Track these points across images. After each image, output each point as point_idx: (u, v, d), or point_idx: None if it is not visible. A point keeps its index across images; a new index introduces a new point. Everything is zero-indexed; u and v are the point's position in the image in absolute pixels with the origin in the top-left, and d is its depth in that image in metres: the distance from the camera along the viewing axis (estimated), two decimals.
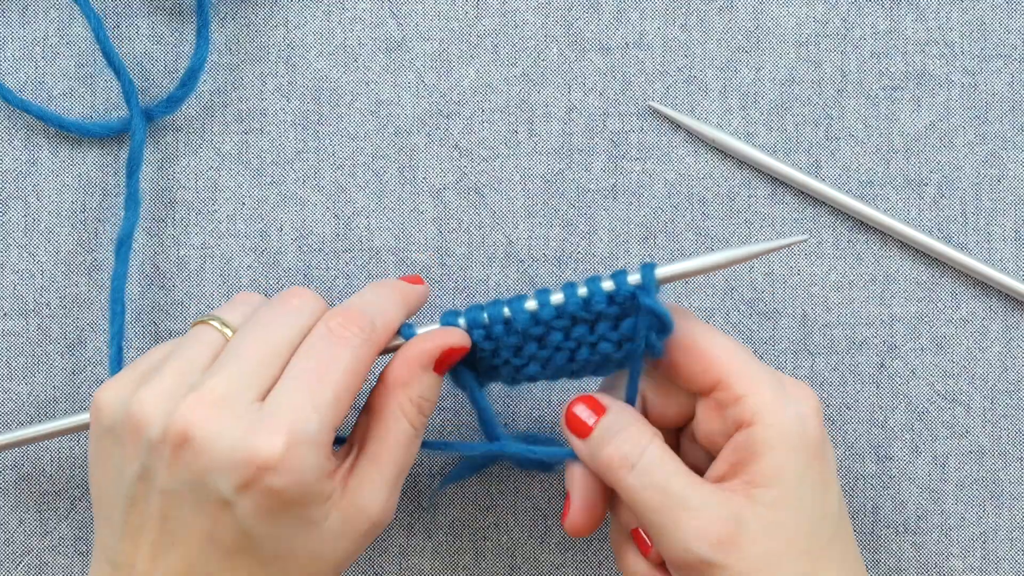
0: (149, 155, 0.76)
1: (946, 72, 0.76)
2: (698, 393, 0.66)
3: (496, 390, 0.75)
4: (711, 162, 0.76)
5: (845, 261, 0.76)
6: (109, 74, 0.76)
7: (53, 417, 0.75)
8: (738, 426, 0.64)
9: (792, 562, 0.62)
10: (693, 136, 0.76)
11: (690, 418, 0.67)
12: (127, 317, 0.75)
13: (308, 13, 0.76)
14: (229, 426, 0.61)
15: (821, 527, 0.64)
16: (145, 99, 0.76)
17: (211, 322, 0.65)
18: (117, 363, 0.73)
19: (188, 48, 0.76)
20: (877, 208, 0.75)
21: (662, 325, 0.65)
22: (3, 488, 0.76)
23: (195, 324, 0.66)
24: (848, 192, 0.76)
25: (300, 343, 0.64)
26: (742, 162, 0.76)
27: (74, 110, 0.76)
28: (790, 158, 0.76)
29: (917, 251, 0.76)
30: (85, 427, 0.70)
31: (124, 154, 0.76)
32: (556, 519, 0.76)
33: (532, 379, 0.68)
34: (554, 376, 0.68)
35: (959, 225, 0.76)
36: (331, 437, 0.62)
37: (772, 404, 0.64)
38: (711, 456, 0.67)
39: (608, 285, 0.65)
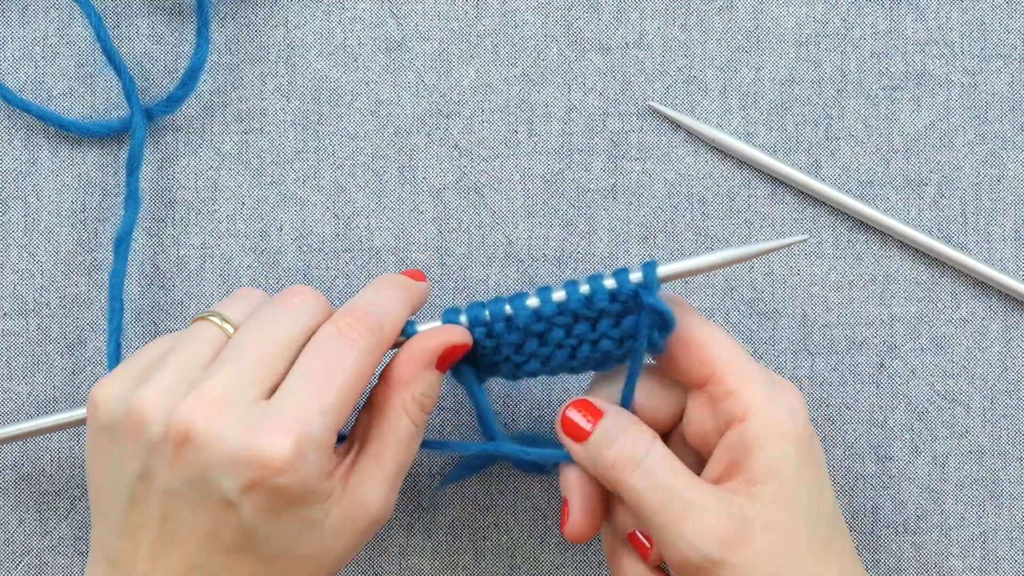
0: (149, 155, 0.76)
1: (946, 72, 0.76)
2: (690, 387, 0.66)
3: (496, 390, 0.75)
4: (711, 162, 0.76)
5: (845, 261, 0.76)
6: (109, 74, 0.76)
7: (33, 419, 0.75)
8: (730, 422, 0.64)
9: (795, 559, 0.62)
10: (693, 136, 0.76)
11: (677, 421, 0.67)
12: (127, 317, 0.75)
13: (308, 13, 0.76)
14: (232, 425, 0.61)
15: (819, 524, 0.64)
16: (145, 99, 0.76)
17: (211, 318, 0.65)
18: (115, 360, 0.72)
19: (188, 48, 0.76)
20: (877, 208, 0.75)
21: (664, 323, 0.65)
22: (3, 488, 0.76)
23: (195, 320, 0.66)
24: (848, 192, 0.76)
25: (302, 342, 0.64)
26: (742, 162, 0.76)
27: (74, 110, 0.76)
28: (790, 158, 0.76)
29: (917, 251, 0.76)
30: (82, 422, 0.70)
31: (124, 154, 0.76)
32: (556, 519, 0.76)
33: (533, 375, 0.68)
34: (555, 372, 0.68)
35: (959, 225, 0.76)
36: (334, 438, 0.62)
37: (764, 400, 0.64)
38: (700, 459, 0.67)
39: (610, 283, 0.65)
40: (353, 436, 0.66)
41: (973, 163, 0.76)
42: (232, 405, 0.61)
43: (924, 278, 0.76)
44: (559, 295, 0.66)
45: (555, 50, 0.76)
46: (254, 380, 0.62)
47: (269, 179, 0.76)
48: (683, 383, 0.66)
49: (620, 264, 0.75)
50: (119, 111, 0.76)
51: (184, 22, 0.76)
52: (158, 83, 0.76)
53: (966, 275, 0.76)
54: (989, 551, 0.75)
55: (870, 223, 0.75)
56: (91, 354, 0.76)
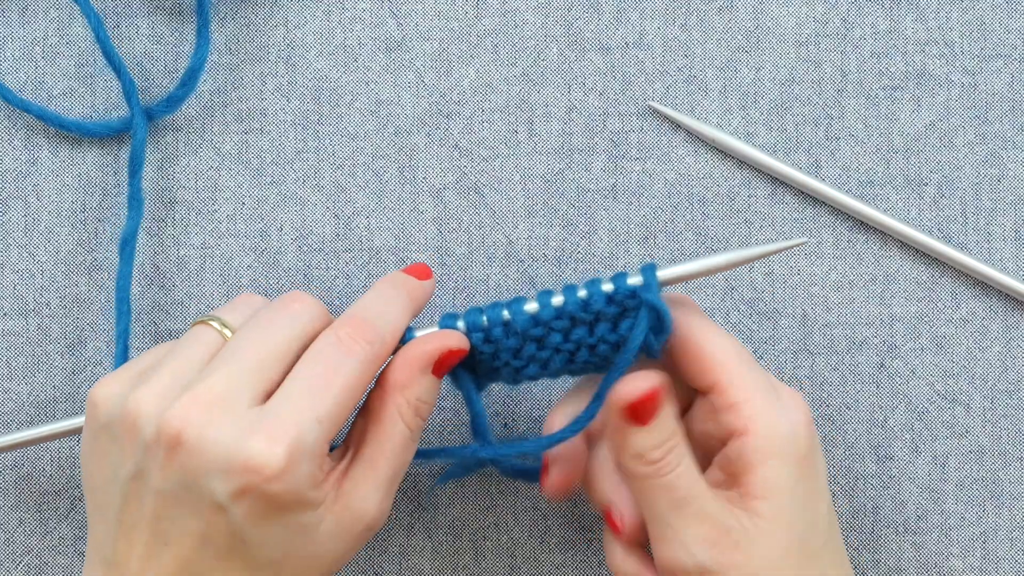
0: (149, 155, 0.76)
1: (946, 72, 0.76)
2: (696, 392, 0.66)
3: (497, 390, 0.75)
4: (711, 162, 0.76)
5: (845, 261, 0.76)
6: (109, 74, 0.76)
7: (53, 417, 0.75)
8: (730, 433, 0.64)
9: (786, 572, 0.63)
10: (693, 136, 0.76)
11: (686, 410, 0.68)
12: (116, 318, 0.75)
13: (308, 13, 0.76)
14: (224, 428, 0.60)
15: (812, 536, 0.64)
16: (145, 99, 0.76)
17: (211, 322, 0.65)
18: (123, 363, 0.72)
19: (188, 48, 0.76)
20: (877, 208, 0.75)
21: (660, 326, 0.65)
22: (3, 488, 0.76)
23: (195, 324, 0.66)
24: (848, 192, 0.76)
25: (299, 348, 0.64)
26: (742, 162, 0.76)
27: (74, 110, 0.76)
28: (790, 158, 0.76)
29: (917, 251, 0.76)
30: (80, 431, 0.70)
31: (124, 154, 0.76)
32: (556, 519, 0.76)
33: (533, 379, 0.68)
34: (556, 375, 0.68)
35: (959, 225, 0.76)
36: (327, 448, 0.62)
37: (765, 414, 0.63)
38: (700, 451, 0.67)
39: (608, 286, 0.65)
40: (348, 441, 0.66)
41: (973, 163, 0.76)
42: (226, 408, 0.61)
43: (924, 278, 0.76)
44: (556, 299, 0.66)
45: (555, 50, 0.76)
46: (249, 384, 0.62)
47: (269, 179, 0.76)
48: (692, 386, 0.66)
49: (620, 264, 0.75)
50: (119, 111, 0.76)
51: (184, 22, 0.76)
52: (158, 83, 0.76)
53: (966, 275, 0.76)
54: (989, 551, 0.75)
55: (870, 223, 0.75)
56: (91, 354, 0.76)
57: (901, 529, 0.76)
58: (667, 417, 0.64)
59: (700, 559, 0.62)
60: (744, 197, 0.76)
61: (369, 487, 0.64)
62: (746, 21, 0.76)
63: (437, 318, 0.68)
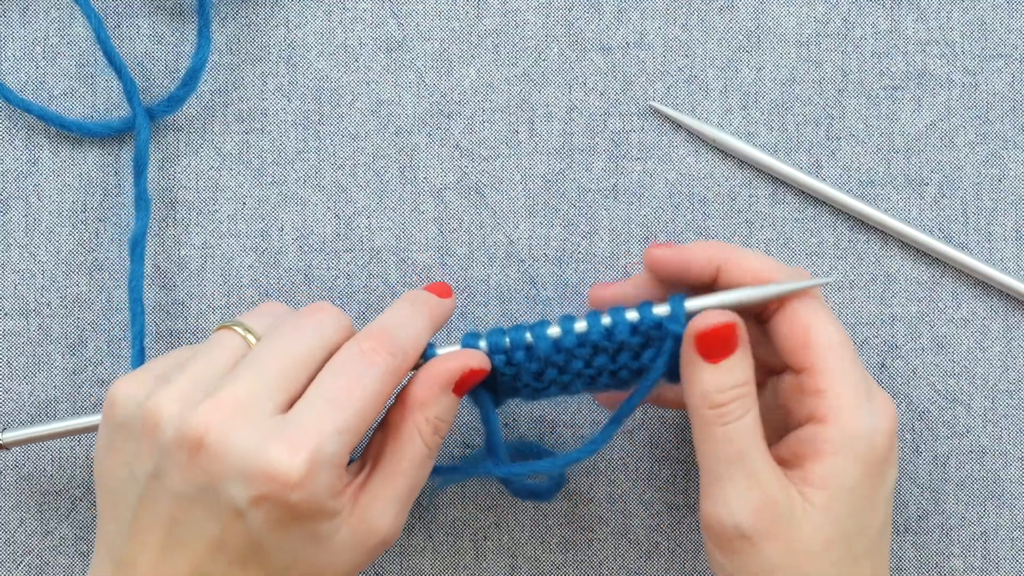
0: (150, 155, 0.76)
1: (947, 72, 0.76)
2: (788, 367, 0.66)
3: None
4: (712, 162, 0.76)
5: (845, 261, 0.76)
6: (109, 74, 0.76)
7: (53, 417, 0.75)
8: (810, 417, 0.64)
9: (820, 568, 0.63)
10: (694, 136, 0.76)
11: (773, 373, 0.68)
12: (126, 317, 0.75)
13: (309, 13, 0.76)
14: (246, 435, 0.60)
15: (860, 540, 0.64)
16: (146, 99, 0.76)
17: (234, 327, 0.65)
18: (140, 364, 0.72)
19: (189, 48, 0.76)
20: (878, 208, 0.75)
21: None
22: (4, 488, 0.76)
23: (218, 328, 0.65)
24: (849, 192, 0.76)
25: (323, 358, 0.64)
26: (743, 162, 0.76)
27: (75, 110, 0.76)
28: (791, 158, 0.76)
29: (918, 251, 0.76)
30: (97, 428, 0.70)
31: (125, 154, 0.76)
32: (556, 519, 0.76)
33: (552, 397, 0.68)
34: (574, 394, 0.68)
35: (960, 225, 0.76)
36: (347, 459, 0.62)
37: (849, 409, 0.63)
38: (772, 426, 0.66)
39: (632, 315, 0.65)
40: (366, 456, 0.66)
41: (974, 163, 0.76)
42: (248, 415, 0.61)
43: (925, 278, 0.76)
44: (580, 326, 0.66)
45: (556, 50, 0.76)
46: (273, 392, 0.62)
47: (270, 179, 0.76)
48: (785, 362, 0.66)
49: (621, 264, 0.75)
50: (120, 111, 0.76)
51: (185, 22, 0.76)
52: (159, 83, 0.76)
53: (967, 275, 0.76)
54: (990, 551, 0.75)
55: (871, 223, 0.75)
56: (92, 354, 0.76)
57: (901, 529, 0.76)
58: (738, 363, 0.64)
59: (739, 520, 0.62)
60: (745, 197, 0.76)
61: (386, 502, 0.64)
62: (747, 21, 0.76)
63: (455, 334, 0.68)
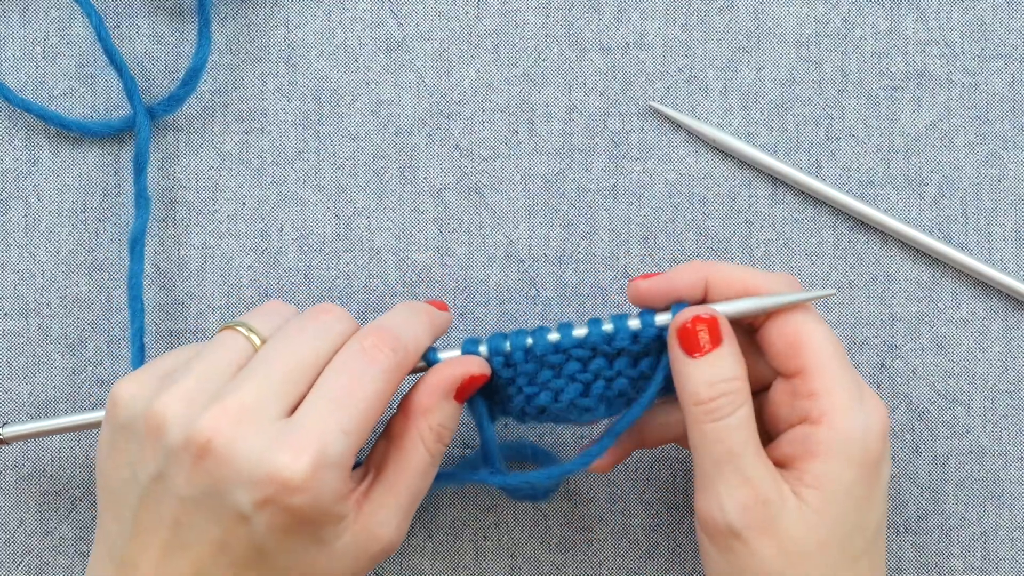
0: (150, 155, 0.76)
1: (947, 72, 0.76)
2: (780, 374, 0.66)
3: None
4: (712, 162, 0.76)
5: (846, 261, 0.76)
6: (109, 74, 0.76)
7: (53, 416, 0.75)
8: (803, 419, 0.64)
9: (814, 568, 0.63)
10: (694, 136, 0.76)
11: (765, 387, 0.67)
12: (128, 316, 0.75)
13: (309, 13, 0.76)
14: (252, 440, 0.60)
15: (853, 541, 0.64)
16: (146, 99, 0.76)
17: (238, 328, 0.65)
18: (139, 362, 0.73)
19: (189, 48, 0.76)
20: (877, 208, 0.75)
21: None
22: (4, 488, 0.76)
23: (222, 329, 0.65)
24: (848, 192, 0.76)
25: (328, 359, 0.64)
26: (743, 162, 0.76)
27: (75, 110, 0.76)
28: (791, 158, 0.76)
29: (917, 251, 0.76)
30: (99, 424, 0.69)
31: (124, 154, 0.76)
32: (556, 519, 0.76)
33: (540, 413, 0.67)
34: (563, 412, 0.67)
35: (959, 225, 0.76)
36: (353, 460, 0.62)
37: (843, 410, 0.63)
38: (766, 433, 0.67)
39: (635, 323, 0.65)
40: (369, 464, 0.66)
41: (974, 163, 0.76)
42: (255, 420, 0.61)
43: (925, 278, 0.76)
44: (580, 331, 0.66)
45: (556, 50, 0.76)
46: (278, 396, 0.62)
47: (270, 179, 0.76)
48: (775, 368, 0.66)
49: (621, 264, 0.75)
50: (120, 111, 0.76)
51: (185, 22, 0.76)
52: (159, 83, 0.76)
53: (967, 275, 0.76)
54: (990, 551, 0.75)
55: (871, 223, 0.75)
56: (91, 354, 0.76)
57: (901, 529, 0.76)
58: (723, 357, 0.64)
59: (730, 519, 0.63)
60: (745, 197, 0.76)
61: (389, 511, 0.64)
62: (747, 21, 0.76)
63: (455, 334, 0.68)
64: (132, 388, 0.63)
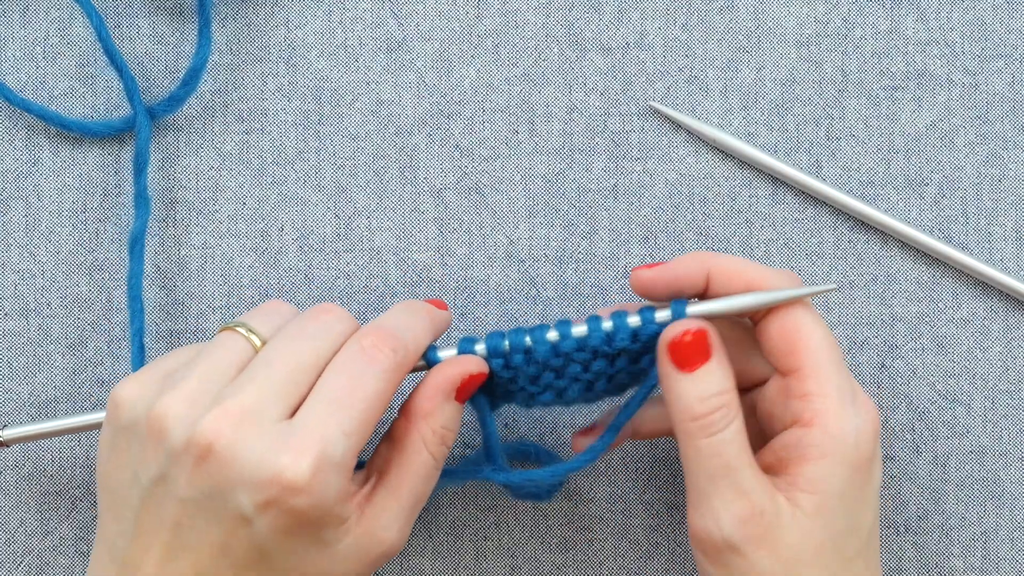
0: (150, 155, 0.75)
1: (947, 72, 0.76)
2: (776, 371, 0.66)
3: None
4: (712, 162, 0.76)
5: (846, 261, 0.76)
6: (110, 73, 0.76)
7: (54, 417, 0.75)
8: (795, 420, 0.64)
9: (812, 572, 0.62)
10: (694, 136, 0.76)
11: (761, 383, 0.67)
12: (126, 318, 0.75)
13: (309, 13, 0.76)
14: (255, 442, 0.60)
15: (849, 542, 0.64)
16: (146, 99, 0.76)
17: (238, 328, 0.65)
18: (139, 362, 0.73)
19: (189, 48, 0.76)
20: (878, 208, 0.76)
21: None
22: (4, 488, 0.76)
23: (222, 329, 0.65)
24: (849, 192, 0.76)
25: (329, 360, 0.63)
26: (743, 162, 0.76)
27: (75, 110, 0.76)
28: (791, 158, 0.76)
29: (918, 251, 0.76)
30: (99, 425, 0.69)
31: (125, 154, 0.76)
32: (556, 519, 0.76)
33: (546, 405, 0.68)
34: (569, 403, 0.68)
35: (960, 225, 0.76)
36: (354, 461, 0.62)
37: (835, 412, 0.63)
38: (759, 432, 0.67)
39: (634, 321, 0.65)
40: (371, 467, 0.66)
41: (974, 163, 0.76)
42: (257, 422, 0.61)
43: (925, 278, 0.76)
44: (580, 329, 0.66)
45: (556, 50, 0.76)
46: (280, 398, 0.62)
47: (270, 179, 0.76)
48: (772, 365, 0.66)
49: (621, 264, 0.75)
50: (120, 111, 0.76)
51: (185, 22, 0.76)
52: (159, 83, 0.76)
53: (967, 275, 0.76)
54: (990, 551, 0.75)
55: (871, 223, 0.75)
56: (91, 354, 0.76)
57: (901, 529, 0.76)
58: (714, 370, 0.64)
59: (727, 533, 0.62)
60: (745, 197, 0.76)
61: (392, 515, 0.64)
62: (747, 21, 0.76)
63: (455, 335, 0.68)
64: (133, 390, 0.63)
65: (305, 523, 0.61)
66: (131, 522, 0.63)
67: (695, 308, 0.65)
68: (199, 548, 0.61)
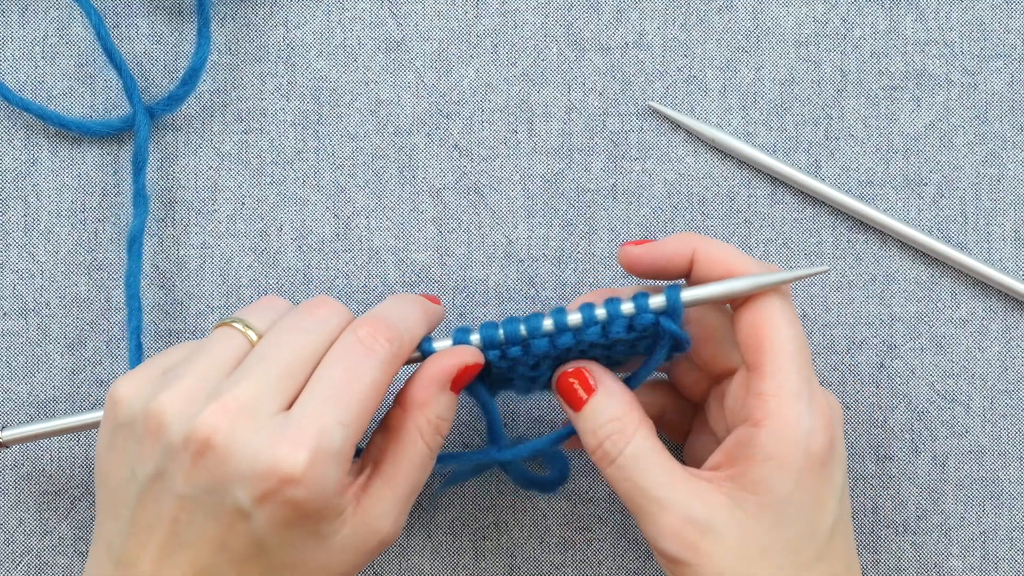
0: (149, 155, 0.76)
1: (946, 72, 0.76)
2: (742, 364, 0.66)
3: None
4: (711, 162, 0.76)
5: (845, 261, 0.76)
6: (109, 73, 0.76)
7: (53, 417, 0.75)
8: (747, 418, 0.64)
9: (763, 572, 0.62)
10: (693, 136, 0.76)
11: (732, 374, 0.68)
12: (125, 316, 0.75)
13: (308, 13, 0.76)
14: (252, 436, 0.60)
15: (806, 544, 0.63)
16: (145, 98, 0.76)
17: (234, 324, 0.65)
18: (137, 360, 0.73)
19: (188, 48, 0.76)
20: (877, 208, 0.75)
21: (679, 346, 0.65)
22: (3, 488, 0.76)
23: (218, 326, 0.65)
24: (848, 192, 0.76)
25: (325, 353, 0.64)
26: (742, 162, 0.76)
27: (74, 109, 0.76)
28: (790, 158, 0.76)
29: (917, 251, 0.76)
30: (98, 424, 0.69)
31: (124, 153, 0.76)
32: (556, 519, 0.76)
33: (546, 388, 0.68)
34: None
35: (959, 225, 0.76)
36: (352, 452, 0.62)
37: (786, 414, 0.62)
38: (722, 427, 0.67)
39: (628, 308, 0.65)
40: (367, 457, 0.66)
41: (973, 163, 0.76)
42: (254, 416, 0.61)
43: (924, 278, 0.76)
44: (575, 318, 0.65)
45: (555, 50, 0.76)
46: (277, 391, 0.62)
47: (269, 179, 0.76)
48: (742, 356, 0.66)
49: (619, 264, 0.75)
50: (119, 111, 0.76)
51: (184, 22, 0.76)
52: (158, 83, 0.76)
53: (966, 275, 0.76)
54: (989, 551, 0.75)
55: (870, 223, 0.75)
56: (91, 354, 0.76)
57: (901, 529, 0.76)
58: (600, 402, 0.65)
59: (663, 547, 0.63)
60: (744, 197, 0.76)
61: (387, 505, 0.64)
62: (746, 21, 0.76)
63: (449, 323, 0.67)
64: (130, 387, 0.63)
65: (303, 515, 0.61)
66: (128, 519, 0.63)
67: (689, 293, 0.65)
68: (197, 544, 0.61)
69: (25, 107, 0.75)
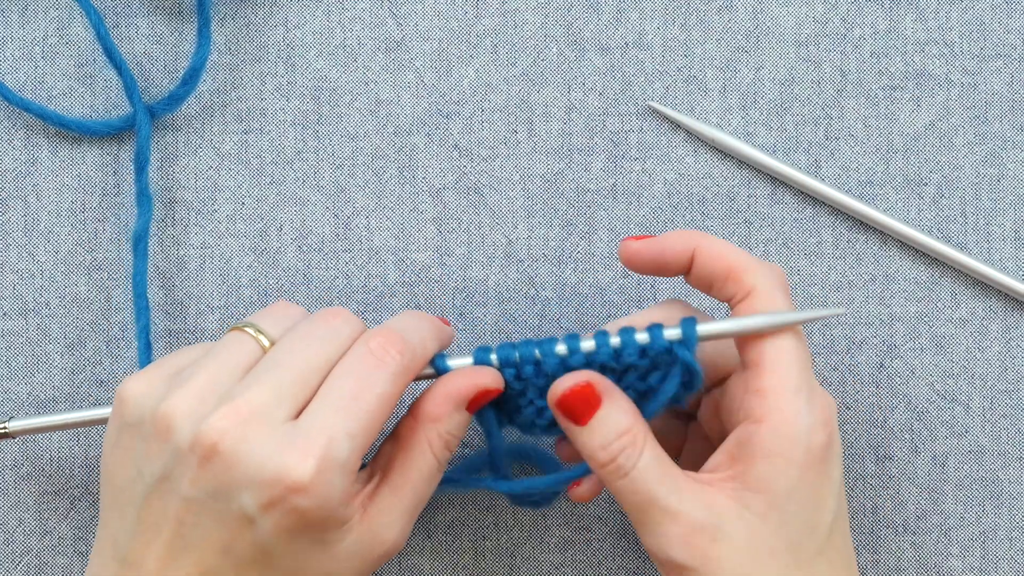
0: (150, 154, 0.76)
1: (946, 72, 0.76)
2: (740, 363, 0.66)
3: None
4: (711, 162, 0.76)
5: (845, 261, 0.76)
6: (109, 73, 0.76)
7: (60, 412, 0.75)
8: (747, 416, 0.63)
9: (771, 572, 0.62)
10: (693, 136, 0.76)
11: (718, 382, 0.67)
12: (126, 317, 0.75)
13: (308, 13, 0.76)
14: (260, 443, 0.60)
15: (807, 541, 0.63)
16: (145, 98, 0.76)
17: (247, 329, 0.65)
18: (146, 359, 0.73)
19: (188, 48, 0.76)
20: (877, 208, 0.76)
21: (691, 382, 0.65)
22: (3, 488, 0.76)
23: (231, 329, 0.65)
24: (848, 192, 0.76)
25: (336, 363, 0.64)
26: (742, 162, 0.76)
27: (74, 109, 0.76)
28: (790, 158, 0.76)
29: (917, 251, 0.76)
30: (105, 421, 0.69)
31: (124, 154, 0.76)
32: (555, 519, 0.76)
33: (550, 426, 0.67)
34: None
35: (959, 225, 0.76)
36: (359, 463, 0.62)
37: (786, 411, 0.62)
38: (720, 426, 0.66)
39: (642, 337, 0.65)
40: (374, 466, 0.66)
41: (973, 163, 0.76)
42: (263, 423, 0.61)
43: (924, 278, 0.76)
44: (588, 344, 0.65)
45: (555, 50, 0.76)
46: (287, 399, 0.62)
47: (269, 179, 0.76)
48: (739, 354, 0.66)
49: (619, 264, 0.75)
50: (119, 110, 0.76)
51: (184, 22, 0.76)
52: (158, 83, 0.76)
53: (966, 275, 0.76)
54: (989, 551, 0.75)
55: (870, 223, 0.75)
56: (91, 354, 0.76)
57: (901, 529, 0.76)
58: (608, 416, 0.64)
59: (672, 555, 0.62)
60: (744, 197, 0.76)
61: (394, 514, 0.64)
62: (746, 21, 0.76)
63: (455, 335, 0.67)
64: (141, 386, 0.63)
65: (308, 523, 0.61)
66: (133, 519, 0.63)
67: (704, 328, 0.64)
68: (202, 547, 0.61)
69: (25, 107, 0.75)
